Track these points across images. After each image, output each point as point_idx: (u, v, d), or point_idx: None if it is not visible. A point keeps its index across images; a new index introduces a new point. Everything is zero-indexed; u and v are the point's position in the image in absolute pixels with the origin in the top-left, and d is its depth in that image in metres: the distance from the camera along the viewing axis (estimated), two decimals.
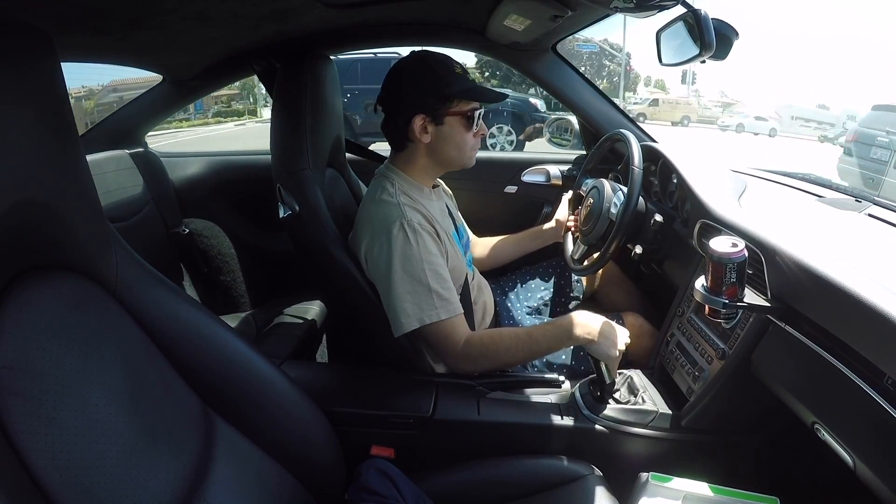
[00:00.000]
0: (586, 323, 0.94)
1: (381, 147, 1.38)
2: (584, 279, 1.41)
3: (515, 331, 1.01)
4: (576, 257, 1.26)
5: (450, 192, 1.26)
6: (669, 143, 1.38)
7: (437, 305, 0.96)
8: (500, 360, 1.00)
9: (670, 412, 0.94)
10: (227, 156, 1.89)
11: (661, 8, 0.86)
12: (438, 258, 0.99)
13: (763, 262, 0.76)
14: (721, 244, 0.74)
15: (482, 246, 1.40)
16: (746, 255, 0.73)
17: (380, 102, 1.05)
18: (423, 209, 1.02)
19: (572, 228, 1.34)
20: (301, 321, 1.44)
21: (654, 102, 20.85)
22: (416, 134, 1.02)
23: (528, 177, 1.66)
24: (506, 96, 1.08)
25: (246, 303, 1.81)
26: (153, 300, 0.64)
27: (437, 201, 1.12)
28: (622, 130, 1.22)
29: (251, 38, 1.17)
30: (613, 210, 1.14)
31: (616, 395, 0.96)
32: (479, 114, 1.04)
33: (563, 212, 1.38)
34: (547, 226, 1.38)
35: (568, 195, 1.40)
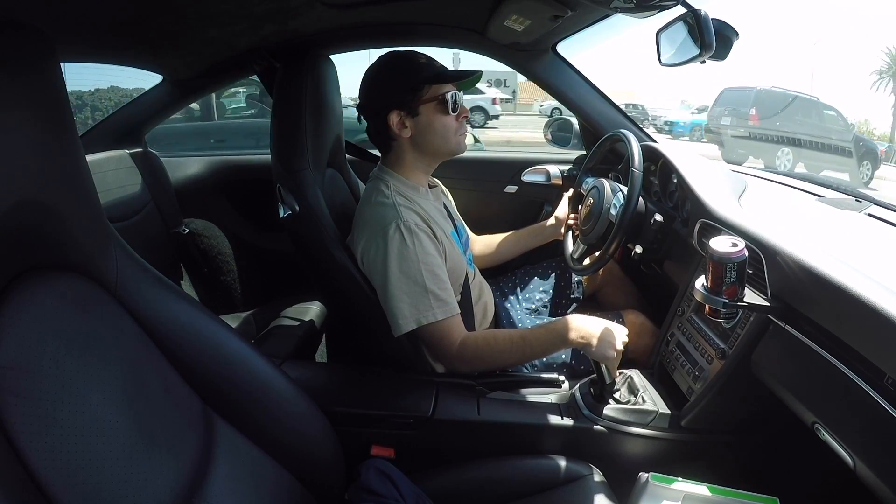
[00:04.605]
0: (580, 327, 0.93)
1: None
2: (584, 279, 1.41)
3: (510, 333, 1.01)
4: (575, 256, 1.26)
5: (447, 192, 1.26)
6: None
7: (433, 306, 0.96)
8: (495, 363, 1.01)
9: (670, 412, 0.94)
10: (227, 156, 1.89)
11: (661, 8, 0.86)
12: (435, 258, 0.99)
13: (763, 261, 0.76)
14: (721, 244, 0.74)
15: (482, 243, 1.40)
16: (746, 254, 0.73)
17: (359, 111, 1.07)
18: (420, 209, 1.02)
19: (573, 226, 1.34)
20: (301, 321, 1.44)
21: None
22: (395, 131, 1.03)
23: (528, 177, 1.66)
24: (478, 73, 1.04)
25: (246, 303, 1.81)
26: (153, 300, 0.64)
27: (433, 201, 1.11)
28: (622, 131, 1.22)
29: (251, 38, 1.17)
30: (613, 211, 1.14)
31: (616, 395, 0.96)
32: (454, 95, 1.02)
33: (563, 209, 1.38)
34: (548, 222, 1.38)
35: (569, 193, 1.40)
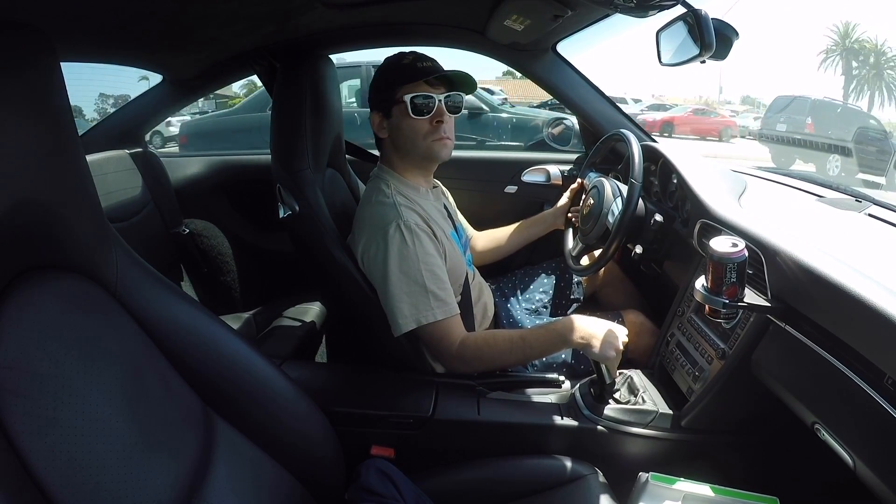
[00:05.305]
0: (581, 327, 0.93)
1: None
2: (584, 279, 1.41)
3: (510, 334, 1.01)
4: (574, 254, 1.27)
5: (447, 192, 1.26)
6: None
7: (433, 306, 0.96)
8: (494, 363, 1.00)
9: (670, 412, 0.94)
10: (227, 156, 1.89)
11: (661, 8, 0.86)
12: (435, 258, 0.99)
13: (763, 262, 0.76)
14: (721, 244, 0.74)
15: (485, 238, 1.40)
16: (746, 254, 0.73)
17: None
18: (420, 209, 1.02)
19: (573, 220, 1.34)
20: (301, 322, 1.44)
21: None
22: (376, 131, 1.06)
23: (528, 177, 1.66)
24: (457, 72, 1.00)
25: (246, 303, 1.81)
26: (153, 300, 0.64)
27: (434, 201, 1.12)
28: (623, 131, 1.22)
29: (251, 38, 1.17)
30: (611, 218, 1.14)
31: (616, 395, 0.96)
32: (421, 98, 0.99)
33: (565, 199, 1.38)
34: (548, 211, 1.39)
35: (572, 185, 1.40)
